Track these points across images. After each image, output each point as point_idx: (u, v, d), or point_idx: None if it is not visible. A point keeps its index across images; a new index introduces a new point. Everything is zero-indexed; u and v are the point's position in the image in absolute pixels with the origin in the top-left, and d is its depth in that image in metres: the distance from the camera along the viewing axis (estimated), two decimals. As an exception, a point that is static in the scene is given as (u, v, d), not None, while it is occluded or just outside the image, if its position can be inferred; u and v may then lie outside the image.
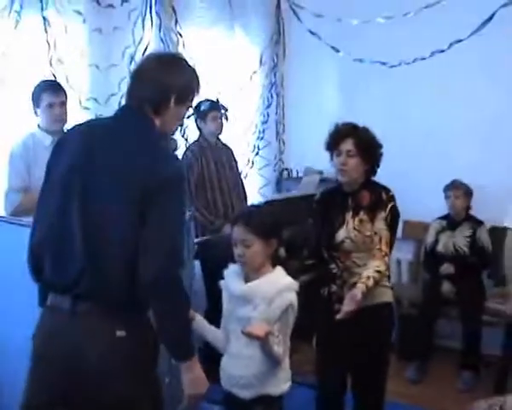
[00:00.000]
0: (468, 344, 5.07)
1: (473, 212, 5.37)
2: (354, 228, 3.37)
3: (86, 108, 4.68)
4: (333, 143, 3.45)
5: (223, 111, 5.15)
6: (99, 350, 2.26)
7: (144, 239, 2.23)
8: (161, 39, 5.15)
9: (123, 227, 2.26)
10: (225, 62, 5.74)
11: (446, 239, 5.31)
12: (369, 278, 3.22)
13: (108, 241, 2.26)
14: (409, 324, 5.38)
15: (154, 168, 2.27)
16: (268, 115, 6.24)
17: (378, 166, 3.48)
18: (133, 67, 4.80)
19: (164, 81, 2.41)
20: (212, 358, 2.98)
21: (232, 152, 5.37)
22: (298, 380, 4.65)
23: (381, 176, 5.62)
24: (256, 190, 6.16)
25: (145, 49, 4.94)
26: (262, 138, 6.21)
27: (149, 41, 5.01)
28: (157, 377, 2.46)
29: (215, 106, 5.10)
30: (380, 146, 3.46)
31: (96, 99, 4.71)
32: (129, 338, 2.29)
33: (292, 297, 2.82)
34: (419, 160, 5.71)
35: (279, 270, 2.91)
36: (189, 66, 2.55)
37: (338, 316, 3.16)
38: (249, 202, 5.35)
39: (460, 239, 5.27)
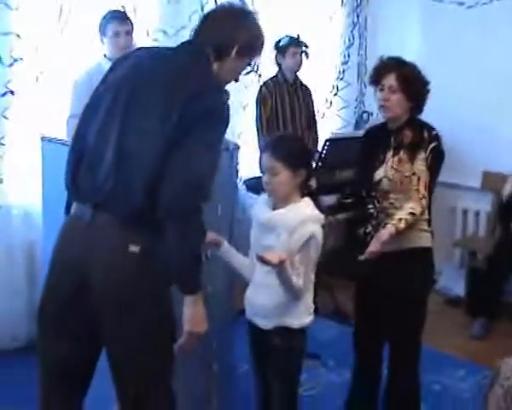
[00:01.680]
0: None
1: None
2: (392, 167, 3.22)
3: (155, 40, 4.70)
4: (375, 78, 3.30)
5: (303, 48, 5.08)
6: (110, 263, 2.29)
7: (172, 161, 2.23)
8: (237, -26, 5.09)
9: (155, 144, 2.26)
10: (304, 1, 5.60)
11: (524, 193, 5.04)
12: (400, 220, 3.08)
13: (138, 155, 2.28)
14: (480, 279, 5.20)
15: (199, 94, 2.28)
16: (349, 56, 6.09)
17: (424, 104, 3.29)
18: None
19: (230, 30, 2.45)
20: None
21: (310, 92, 5.31)
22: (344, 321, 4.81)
23: (460, 125, 5.49)
24: (333, 130, 6.01)
25: (217, -16, 4.90)
26: (342, 79, 6.08)
27: (223, -26, 4.94)
28: (169, 298, 2.43)
29: (295, 41, 5.07)
30: (426, 83, 3.27)
31: (164, 31, 4.73)
32: (141, 255, 2.29)
33: (314, 229, 2.75)
34: (499, 108, 5.40)
35: (306, 201, 2.83)
36: (258, 23, 2.56)
37: (361, 257, 3.07)
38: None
39: (539, 194, 4.98)
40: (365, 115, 6.22)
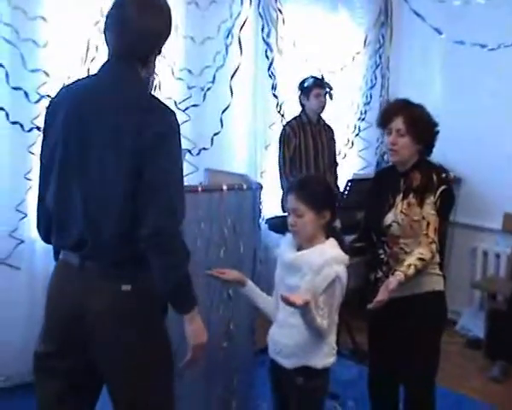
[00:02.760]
0: None
1: None
2: (402, 211, 3.20)
3: (180, 79, 4.77)
4: (383, 121, 3.29)
5: (327, 89, 5.13)
6: (105, 303, 2.31)
7: (141, 197, 2.23)
8: (260, 14, 5.19)
9: (118, 189, 2.25)
10: (327, 42, 5.69)
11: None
12: (409, 266, 3.05)
13: (107, 206, 2.27)
14: (500, 321, 5.16)
15: (146, 124, 2.23)
16: (371, 97, 6.13)
17: (433, 146, 3.27)
18: (229, 40, 4.95)
19: (151, 28, 2.33)
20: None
21: (333, 133, 5.33)
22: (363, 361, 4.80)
23: (481, 167, 5.51)
24: (355, 171, 6.05)
25: (243, 24, 4.99)
26: (363, 119, 6.10)
27: (247, 16, 5.04)
28: (165, 331, 2.47)
29: (319, 83, 5.09)
30: (434, 124, 3.25)
31: (190, 70, 4.79)
32: (134, 292, 2.32)
33: (339, 270, 2.77)
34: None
35: (331, 241, 2.86)
36: (166, 7, 2.42)
37: (369, 306, 3.03)
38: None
39: (562, 237, 4.98)
40: (386, 156, 6.23)
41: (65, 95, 2.44)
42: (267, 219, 5.06)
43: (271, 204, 4.98)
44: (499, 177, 5.54)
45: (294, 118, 5.15)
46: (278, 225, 4.84)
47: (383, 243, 3.28)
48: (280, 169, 5.00)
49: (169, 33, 2.43)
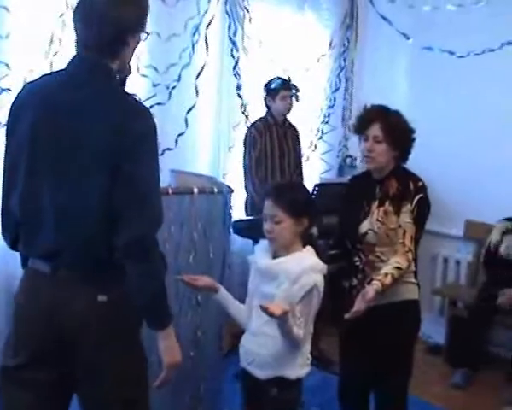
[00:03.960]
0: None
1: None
2: (378, 220, 3.15)
3: (144, 76, 4.64)
4: (360, 128, 3.23)
5: (294, 91, 5.07)
6: (80, 314, 2.19)
7: (117, 202, 2.11)
8: (227, 12, 5.10)
9: (95, 195, 2.13)
10: (293, 42, 5.61)
11: (510, 243, 5.03)
12: (386, 275, 3.01)
13: (81, 211, 2.15)
14: (461, 327, 5.18)
15: (122, 127, 2.11)
16: (334, 100, 6.08)
17: (409, 153, 3.23)
18: (196, 38, 4.84)
19: (116, 22, 2.17)
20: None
21: (298, 135, 5.28)
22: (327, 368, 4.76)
23: (444, 174, 5.51)
24: (317, 174, 6.01)
25: (210, 22, 4.89)
26: (327, 123, 6.06)
27: (214, 14, 4.93)
28: (141, 345, 2.37)
29: (286, 85, 5.03)
30: (411, 131, 3.21)
31: (155, 67, 4.67)
32: (111, 303, 2.20)
33: (317, 278, 2.70)
34: (484, 159, 5.42)
35: (308, 250, 2.79)
36: None
37: (346, 316, 2.98)
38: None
39: (524, 244, 5.00)
40: (349, 160, 6.22)
41: (31, 92, 2.29)
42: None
43: (235, 207, 4.90)
44: (461, 184, 5.56)
45: (260, 119, 5.07)
46: (242, 228, 4.77)
47: (358, 250, 3.24)
48: (245, 171, 4.92)
49: (142, 25, 2.28)
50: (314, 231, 2.92)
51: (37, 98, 2.24)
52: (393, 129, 3.15)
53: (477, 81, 5.37)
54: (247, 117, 5.31)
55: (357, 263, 3.25)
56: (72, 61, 2.26)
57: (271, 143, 4.99)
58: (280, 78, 5.02)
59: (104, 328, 2.20)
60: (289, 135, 5.14)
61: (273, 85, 4.96)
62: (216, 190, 3.38)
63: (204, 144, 5.18)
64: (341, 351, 3.45)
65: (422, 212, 3.18)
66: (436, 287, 5.74)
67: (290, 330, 2.61)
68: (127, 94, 2.28)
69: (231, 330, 3.75)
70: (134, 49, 2.32)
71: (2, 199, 2.32)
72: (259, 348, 2.76)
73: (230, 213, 3.53)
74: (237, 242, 4.94)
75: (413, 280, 3.25)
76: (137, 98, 2.29)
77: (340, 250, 3.35)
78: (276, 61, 5.38)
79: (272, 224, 2.75)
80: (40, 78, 2.36)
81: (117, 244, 2.12)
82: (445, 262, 5.80)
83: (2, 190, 2.33)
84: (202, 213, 3.32)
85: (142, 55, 4.60)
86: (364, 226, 3.19)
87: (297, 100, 5.07)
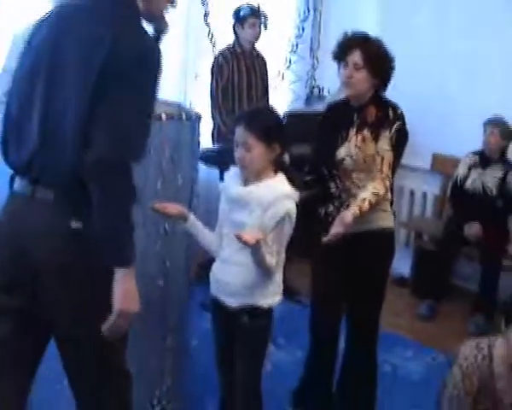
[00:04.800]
0: (484, 287, 4.88)
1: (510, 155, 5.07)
2: (356, 145, 3.14)
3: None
4: (340, 54, 3.20)
5: (262, 18, 4.96)
6: (52, 245, 2.11)
7: (97, 117, 2.01)
8: None
9: (80, 103, 2.04)
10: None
11: (476, 176, 5.05)
12: (364, 200, 3.01)
13: (64, 118, 2.08)
14: (427, 260, 5.24)
15: (123, 43, 2.05)
16: (303, 29, 5.99)
17: (389, 81, 3.22)
18: None
19: None
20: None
21: (266, 63, 5.23)
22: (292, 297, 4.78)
23: (413, 104, 5.44)
24: (285, 104, 5.95)
25: None
26: (295, 52, 5.97)
27: None
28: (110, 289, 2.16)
29: (255, 12, 4.95)
30: (391, 59, 3.19)
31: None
32: (85, 231, 2.09)
33: (289, 206, 2.66)
34: (454, 91, 5.40)
35: (280, 177, 2.74)
36: None
37: (324, 239, 2.98)
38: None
39: (489, 179, 5.00)
40: (316, 90, 6.16)
41: (53, 11, 2.28)
42: (198, 152, 4.90)
43: (202, 136, 4.82)
44: (429, 117, 5.52)
45: (227, 48, 4.97)
46: (209, 157, 4.71)
47: (335, 176, 3.22)
48: (212, 100, 4.86)
49: None
50: (286, 158, 2.87)
51: (54, 16, 2.24)
52: (374, 56, 3.13)
53: (447, 8, 5.31)
54: (214, 45, 5.20)
55: (334, 189, 3.23)
56: None
57: (239, 71, 4.92)
58: (249, 5, 4.91)
59: (76, 255, 2.11)
60: (257, 64, 5.08)
61: (242, 13, 4.86)
62: (184, 116, 3.27)
63: (171, 72, 5.03)
64: (313, 279, 3.44)
65: (401, 140, 3.18)
66: (402, 220, 5.76)
67: (263, 259, 2.59)
68: (139, 20, 2.19)
69: (197, 259, 3.73)
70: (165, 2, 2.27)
71: (6, 105, 2.29)
72: (231, 277, 2.74)
73: (199, 140, 3.44)
74: (203, 171, 4.87)
75: (389, 209, 3.27)
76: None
77: (315, 177, 3.33)
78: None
79: (244, 151, 2.68)
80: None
81: (84, 163, 2.02)
82: (412, 195, 5.82)
83: (9, 98, 2.29)
84: (170, 140, 3.22)
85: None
86: (342, 152, 3.17)
87: (265, 28, 4.99)
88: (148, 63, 2.09)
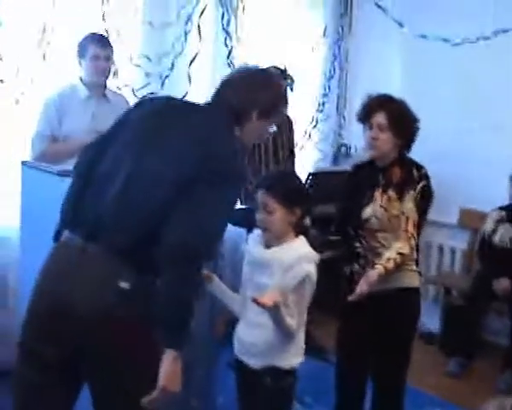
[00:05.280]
0: (514, 342, 4.83)
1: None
2: (381, 206, 3.19)
3: (137, 66, 4.64)
4: (364, 116, 3.27)
5: (289, 81, 5.05)
6: (97, 293, 2.17)
7: (180, 209, 2.15)
8: (220, 1, 5.07)
9: (163, 186, 2.19)
10: (287, 31, 5.60)
11: (504, 231, 5.02)
12: (389, 260, 3.05)
13: (145, 192, 2.21)
14: (456, 316, 5.20)
15: (214, 157, 2.22)
16: (329, 89, 6.10)
17: (413, 142, 3.28)
18: (189, 27, 4.84)
19: (250, 96, 2.44)
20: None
21: (291, 122, 5.28)
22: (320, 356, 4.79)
23: (438, 162, 5.49)
24: (312, 163, 6.02)
25: (202, 11, 4.88)
26: (321, 111, 6.08)
27: (207, 3, 4.93)
28: (157, 344, 2.24)
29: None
30: (415, 120, 3.26)
31: (147, 57, 4.67)
32: (132, 292, 2.18)
33: (310, 268, 2.70)
34: (478, 147, 5.44)
35: (301, 239, 2.79)
36: (279, 84, 2.57)
37: (349, 297, 3.02)
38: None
39: (517, 234, 4.98)
40: (343, 149, 6.23)
41: (162, 97, 2.68)
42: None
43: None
44: (456, 172, 5.55)
45: None
46: (237, 218, 4.75)
47: (360, 236, 3.26)
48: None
49: (273, 107, 2.51)
50: (307, 220, 2.92)
51: (162, 101, 2.53)
52: (398, 117, 3.20)
53: (471, 69, 5.36)
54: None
55: (359, 249, 3.27)
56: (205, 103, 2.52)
57: None
58: (276, 67, 4.98)
59: (119, 317, 2.17)
60: (283, 123, 5.13)
61: None
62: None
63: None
64: (339, 337, 3.46)
65: (426, 199, 3.23)
66: (431, 275, 5.75)
67: (282, 320, 2.62)
68: (235, 142, 2.40)
69: (224, 318, 3.76)
70: (259, 131, 2.52)
71: (88, 160, 2.42)
72: (253, 338, 2.77)
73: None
74: (231, 231, 4.93)
75: (414, 268, 3.29)
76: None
77: (340, 236, 3.39)
78: (270, 51, 5.35)
79: (265, 214, 2.75)
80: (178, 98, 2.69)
81: (164, 244, 2.13)
82: (440, 251, 5.81)
83: (91, 151, 2.44)
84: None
85: (135, 45, 4.62)
86: (367, 212, 3.22)
87: (291, 90, 5.04)
88: (235, 182, 2.31)
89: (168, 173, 2.21)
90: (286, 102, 2.55)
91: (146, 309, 2.18)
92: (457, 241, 5.70)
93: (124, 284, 2.18)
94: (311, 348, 4.97)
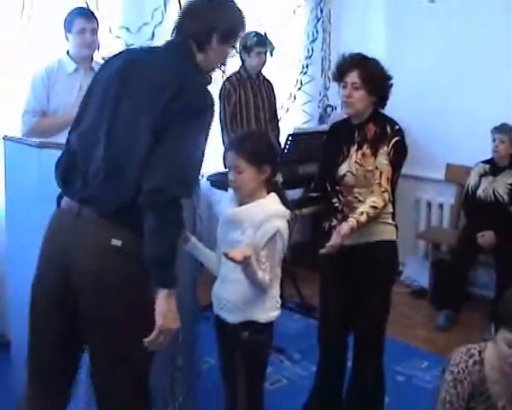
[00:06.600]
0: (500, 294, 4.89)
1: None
2: (356, 162, 3.27)
3: (117, 37, 4.68)
4: (338, 75, 3.34)
5: (269, 47, 5.07)
6: (92, 250, 2.31)
7: (154, 155, 2.25)
8: (198, -32, 5.07)
9: (141, 139, 2.28)
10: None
11: (487, 184, 5.08)
12: (362, 213, 3.12)
13: (126, 150, 2.31)
14: (445, 270, 5.26)
15: (182, 93, 2.29)
16: (312, 50, 6.12)
17: (387, 99, 3.35)
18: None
19: (209, 19, 2.48)
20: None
21: (272, 87, 5.32)
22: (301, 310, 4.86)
23: (424, 118, 5.55)
24: (299, 125, 6.02)
25: (181, -21, 4.88)
26: (305, 73, 6.11)
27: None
28: (151, 297, 2.34)
29: (262, 41, 5.04)
30: (388, 78, 3.32)
31: (127, 28, 4.70)
32: (124, 248, 2.30)
33: (280, 224, 2.77)
34: (463, 102, 5.48)
35: (272, 196, 2.86)
36: (237, 8, 2.58)
37: (321, 251, 3.10)
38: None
39: (500, 186, 5.02)
40: (329, 109, 6.26)
41: (118, 54, 2.60)
42: (209, 176, 5.03)
43: (213, 161, 4.94)
44: (442, 128, 5.61)
45: (234, 74, 5.09)
46: (221, 181, 4.82)
47: (337, 192, 3.34)
48: (221, 125, 4.96)
49: (233, 31, 2.54)
50: (279, 178, 2.98)
51: (124, 56, 2.57)
52: (371, 76, 3.26)
53: (454, 24, 5.40)
54: (223, 72, 5.31)
55: (336, 204, 3.36)
56: (166, 42, 2.57)
57: (246, 96, 5.03)
58: (256, 33, 5.00)
59: (114, 269, 2.30)
60: (263, 88, 5.18)
61: (248, 43, 4.96)
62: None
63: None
64: (320, 290, 3.55)
65: (399, 154, 3.28)
66: (420, 231, 5.82)
67: (255, 275, 2.69)
68: (200, 74, 2.49)
69: (209, 282, 3.82)
70: (221, 55, 2.56)
71: (68, 139, 2.52)
72: (228, 294, 2.85)
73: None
74: (217, 195, 4.99)
75: (390, 221, 3.35)
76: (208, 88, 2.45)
77: (320, 192, 3.47)
78: (252, 15, 5.35)
79: (235, 174, 2.82)
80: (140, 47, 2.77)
81: (142, 190, 2.23)
82: (429, 206, 5.88)
83: (75, 122, 2.52)
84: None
85: (114, 17, 4.63)
86: (343, 169, 3.30)
87: (271, 55, 5.09)
88: (206, 114, 2.37)
89: (143, 124, 2.29)
90: (244, 25, 2.58)
91: (139, 262, 2.27)
92: (445, 196, 5.77)
93: (115, 242, 2.30)
94: (301, 306, 5.10)
